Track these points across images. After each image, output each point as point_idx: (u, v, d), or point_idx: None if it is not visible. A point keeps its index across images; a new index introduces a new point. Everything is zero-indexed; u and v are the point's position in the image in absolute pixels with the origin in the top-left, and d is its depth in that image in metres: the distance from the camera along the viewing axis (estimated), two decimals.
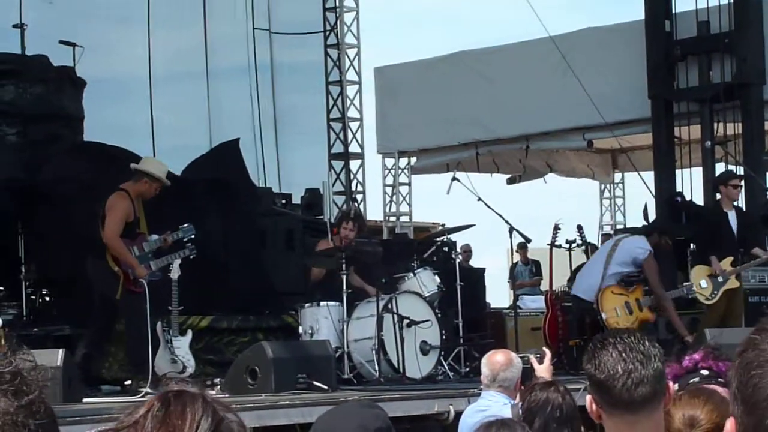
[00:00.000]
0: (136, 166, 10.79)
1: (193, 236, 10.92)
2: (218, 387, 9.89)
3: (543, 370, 6.72)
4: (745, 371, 1.39)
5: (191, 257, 10.88)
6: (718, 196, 12.99)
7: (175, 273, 10.75)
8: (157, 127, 16.89)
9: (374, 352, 11.08)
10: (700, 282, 12.66)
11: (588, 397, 3.11)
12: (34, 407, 1.58)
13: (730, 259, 12.53)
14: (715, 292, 12.53)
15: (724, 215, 12.64)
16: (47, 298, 12.74)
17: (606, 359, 3.03)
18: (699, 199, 15.52)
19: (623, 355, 3.03)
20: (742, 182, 12.89)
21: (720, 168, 16.06)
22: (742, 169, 15.11)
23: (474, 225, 13.07)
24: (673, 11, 16.57)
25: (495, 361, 7.03)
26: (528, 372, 7.02)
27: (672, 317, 12.73)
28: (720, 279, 12.48)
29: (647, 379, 3.01)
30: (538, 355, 6.97)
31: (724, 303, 12.55)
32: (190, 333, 11.22)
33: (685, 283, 12.92)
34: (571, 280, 13.99)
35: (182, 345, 11.01)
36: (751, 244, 12.88)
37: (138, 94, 17.08)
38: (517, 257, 18.18)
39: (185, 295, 11.03)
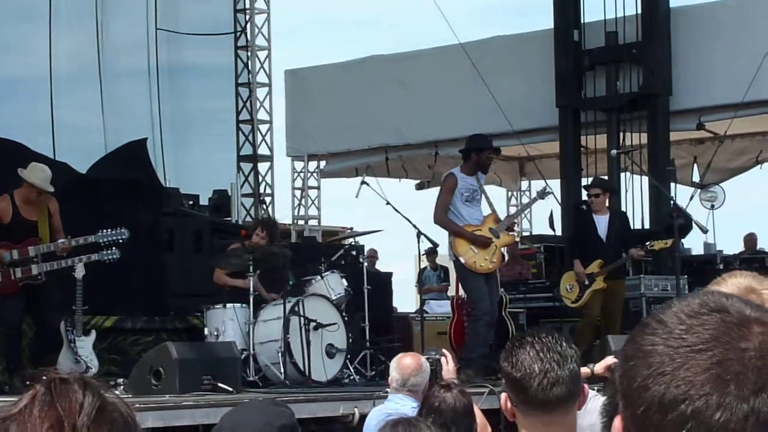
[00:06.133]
0: (19, 172, 10.73)
1: (120, 240, 10.82)
2: (122, 387, 9.78)
3: (449, 372, 6.81)
4: (624, 364, 1.43)
5: (107, 261, 10.80)
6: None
7: (79, 272, 10.64)
8: (58, 125, 16.66)
9: (280, 354, 11.04)
10: (567, 286, 12.83)
11: (503, 396, 3.12)
12: None
13: (599, 261, 12.70)
14: (581, 295, 12.69)
15: (591, 221, 12.85)
16: None
17: (523, 358, 3.05)
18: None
19: (540, 354, 3.04)
20: (600, 191, 12.98)
21: (625, 178, 16.29)
22: (647, 178, 15.33)
23: (382, 230, 13.12)
24: (582, 21, 16.75)
25: (405, 365, 7.03)
26: (433, 374, 7.06)
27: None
28: (587, 282, 12.65)
29: (563, 379, 3.03)
30: (438, 356, 7.04)
31: (596, 307, 12.69)
32: (93, 333, 11.11)
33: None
34: None
35: (86, 345, 10.90)
36: (630, 246, 13.00)
37: (39, 92, 16.84)
38: (425, 263, 18.25)
39: (90, 295, 10.92)
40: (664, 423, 1.36)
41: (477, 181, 11.83)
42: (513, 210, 21.44)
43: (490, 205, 12.05)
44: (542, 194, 12.79)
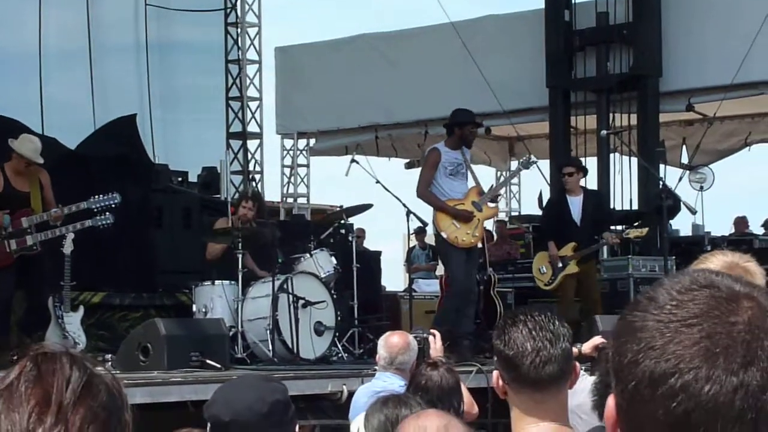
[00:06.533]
0: (9, 143, 10.69)
1: (112, 204, 10.77)
2: (110, 363, 9.78)
3: (436, 350, 6.86)
4: (616, 342, 1.45)
5: (101, 226, 10.75)
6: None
7: (68, 248, 10.60)
8: (47, 102, 16.59)
9: (268, 332, 11.05)
10: (540, 268, 12.81)
11: (495, 373, 3.13)
12: None
13: (572, 244, 12.64)
14: (554, 277, 12.66)
15: (564, 202, 12.80)
16: None
17: (516, 336, 3.05)
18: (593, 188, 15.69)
19: (533, 333, 3.05)
20: (574, 170, 12.92)
21: (614, 159, 16.28)
22: (636, 159, 15.34)
23: (372, 205, 13.07)
24: (573, 1, 16.72)
25: (393, 343, 7.06)
26: (421, 353, 7.10)
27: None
28: (560, 264, 12.62)
29: (555, 358, 3.03)
30: (425, 335, 7.08)
31: (570, 290, 12.66)
32: (81, 309, 11.09)
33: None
34: None
35: (73, 321, 10.87)
36: (603, 228, 12.94)
37: (28, 68, 16.75)
38: (413, 241, 18.25)
39: (78, 271, 10.89)
40: (655, 397, 1.37)
41: (462, 155, 11.84)
42: (502, 189, 21.45)
43: (475, 178, 12.07)
44: (526, 164, 12.77)
